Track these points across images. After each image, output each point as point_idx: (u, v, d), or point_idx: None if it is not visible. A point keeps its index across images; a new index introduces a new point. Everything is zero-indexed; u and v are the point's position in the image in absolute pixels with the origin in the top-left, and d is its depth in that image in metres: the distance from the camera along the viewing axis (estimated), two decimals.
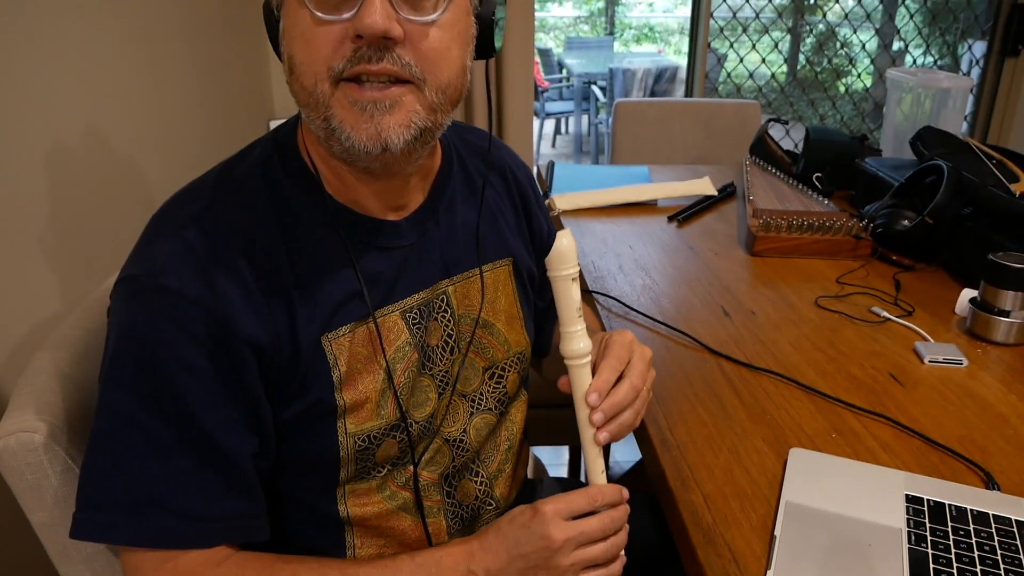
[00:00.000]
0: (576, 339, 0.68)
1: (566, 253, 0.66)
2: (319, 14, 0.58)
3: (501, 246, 0.83)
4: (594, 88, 5.47)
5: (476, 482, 0.82)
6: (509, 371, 0.85)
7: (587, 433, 0.69)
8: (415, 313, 0.74)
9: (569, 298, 0.67)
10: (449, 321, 0.77)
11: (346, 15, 0.58)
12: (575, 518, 0.67)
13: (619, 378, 0.71)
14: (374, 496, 0.74)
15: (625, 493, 0.71)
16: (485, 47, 0.68)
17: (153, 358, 0.60)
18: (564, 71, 6.36)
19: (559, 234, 0.66)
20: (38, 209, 1.05)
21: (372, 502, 0.74)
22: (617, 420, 0.69)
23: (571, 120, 6.35)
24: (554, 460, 2.11)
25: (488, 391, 0.83)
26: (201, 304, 0.60)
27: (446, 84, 0.63)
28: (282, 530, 0.74)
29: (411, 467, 0.75)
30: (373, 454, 0.72)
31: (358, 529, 0.75)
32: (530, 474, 0.99)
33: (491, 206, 0.83)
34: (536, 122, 5.81)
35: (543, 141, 6.13)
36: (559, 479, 1.07)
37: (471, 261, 0.80)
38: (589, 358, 0.69)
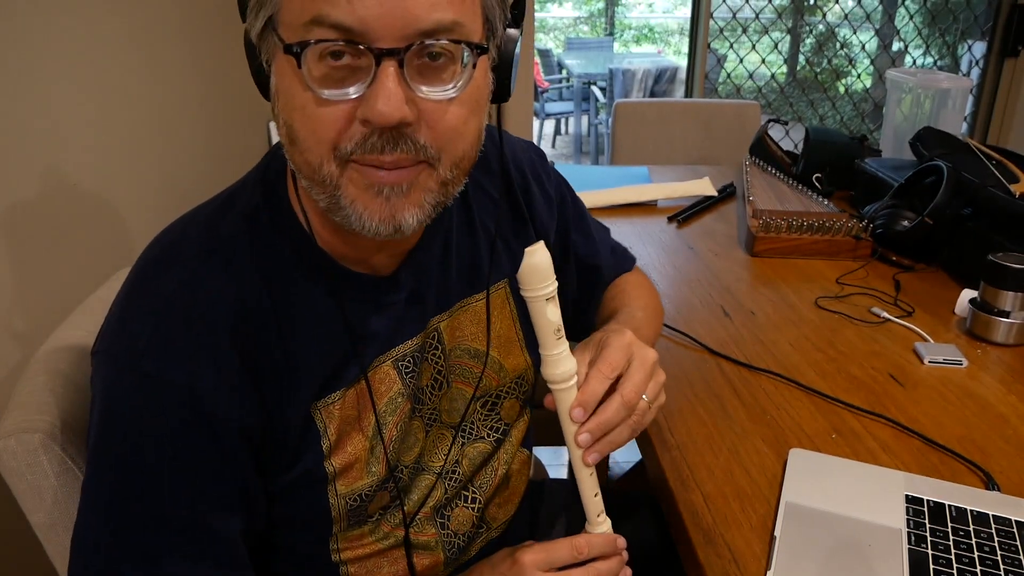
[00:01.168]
0: (555, 363, 0.61)
1: (534, 271, 0.58)
2: (323, 93, 0.52)
3: (497, 268, 0.77)
4: (594, 88, 5.47)
5: (470, 509, 0.79)
6: (505, 398, 0.80)
7: (575, 453, 0.63)
8: (408, 361, 0.70)
9: (544, 319, 0.59)
10: (440, 357, 0.73)
11: (352, 92, 0.52)
12: (561, 568, 0.64)
13: (614, 388, 0.64)
14: (367, 539, 0.72)
15: (620, 542, 0.66)
16: (500, 92, 0.62)
17: (138, 444, 0.57)
18: (564, 71, 6.37)
19: (528, 250, 0.58)
20: (38, 209, 1.05)
21: (365, 544, 0.72)
22: (607, 438, 0.63)
23: (571, 120, 6.35)
24: (554, 460, 2.11)
25: (479, 420, 0.79)
26: (184, 390, 0.57)
27: (461, 157, 0.58)
28: (275, 570, 0.73)
29: (403, 508, 0.73)
30: (365, 508, 0.70)
31: (353, 567, 0.73)
32: (531, 474, 0.99)
33: (487, 225, 0.76)
34: (536, 123, 5.81)
35: (543, 142, 6.14)
36: (560, 480, 1.07)
37: (463, 291, 0.74)
38: (575, 380, 0.62)
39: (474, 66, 0.55)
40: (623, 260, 0.97)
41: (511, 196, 0.80)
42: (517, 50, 0.61)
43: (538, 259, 0.58)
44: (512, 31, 0.60)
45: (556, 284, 0.59)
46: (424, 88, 0.53)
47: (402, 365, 0.70)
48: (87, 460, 0.60)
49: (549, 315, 0.60)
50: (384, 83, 0.51)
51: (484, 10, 0.56)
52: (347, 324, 0.64)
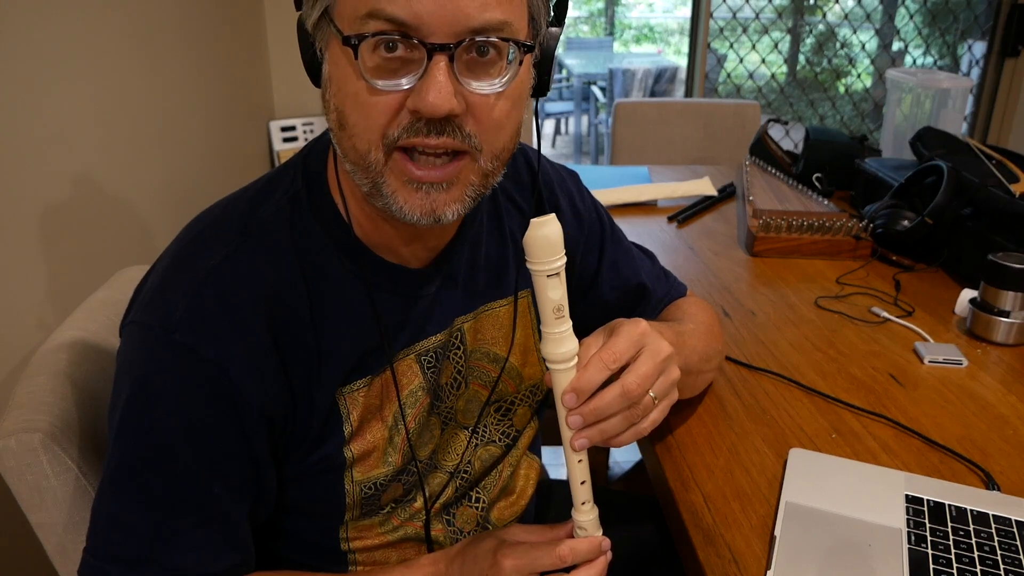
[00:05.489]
0: (555, 342, 0.59)
1: (542, 243, 0.55)
2: (377, 83, 0.54)
3: (523, 277, 0.78)
4: (594, 88, 5.47)
5: (475, 508, 0.81)
6: (519, 405, 0.81)
7: (565, 435, 0.62)
8: (431, 356, 0.71)
9: (545, 296, 0.57)
10: (460, 358, 0.75)
11: (404, 83, 0.54)
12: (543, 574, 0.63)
13: (619, 376, 0.62)
14: (376, 530, 0.74)
15: (605, 544, 0.64)
16: (539, 87, 0.63)
17: (162, 417, 0.59)
18: (564, 71, 6.36)
19: (535, 221, 0.55)
20: (39, 209, 1.05)
21: (373, 535, 0.74)
22: (599, 427, 0.61)
23: (571, 120, 6.35)
24: (555, 460, 2.11)
25: (492, 423, 0.80)
26: (215, 366, 0.58)
27: (502, 150, 0.60)
28: (282, 556, 0.74)
29: (414, 504, 0.74)
30: (379, 498, 0.71)
31: (361, 556, 0.75)
32: (538, 479, 0.98)
33: (515, 234, 0.78)
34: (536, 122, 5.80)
35: (542, 142, 6.12)
36: (565, 482, 1.06)
37: (488, 296, 0.76)
38: (574, 361, 0.60)
39: (520, 63, 0.57)
40: (677, 285, 0.95)
41: (541, 211, 0.81)
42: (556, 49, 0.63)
43: (546, 231, 0.55)
44: (554, 29, 0.62)
45: (564, 261, 0.57)
46: (473, 83, 0.55)
47: (425, 360, 0.71)
48: (110, 428, 0.61)
49: (550, 292, 0.57)
50: (435, 76, 0.53)
51: (531, 9, 0.58)
52: (377, 313, 0.66)
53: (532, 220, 0.55)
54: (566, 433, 0.61)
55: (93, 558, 0.60)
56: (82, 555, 0.61)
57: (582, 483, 0.64)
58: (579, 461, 0.63)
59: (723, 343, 0.91)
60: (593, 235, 0.86)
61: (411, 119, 0.55)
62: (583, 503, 0.65)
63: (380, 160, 0.57)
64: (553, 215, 0.55)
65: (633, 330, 0.62)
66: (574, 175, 0.88)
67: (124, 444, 0.60)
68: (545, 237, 0.55)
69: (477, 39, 0.54)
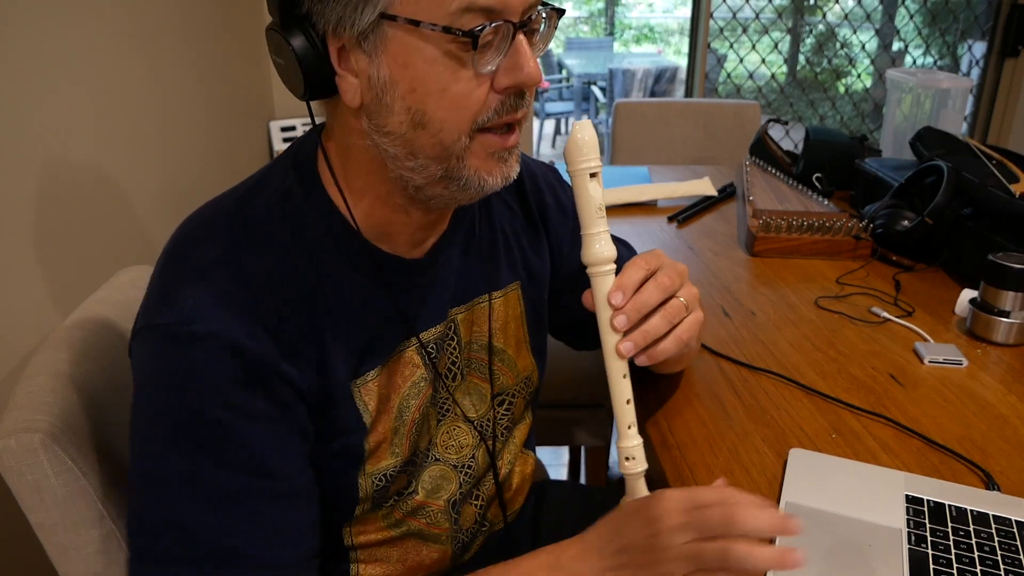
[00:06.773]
0: (596, 241, 0.64)
1: (580, 145, 0.62)
2: (484, 69, 0.57)
3: (512, 270, 0.80)
4: (594, 88, 5.48)
5: (475, 506, 0.81)
6: (517, 397, 0.83)
7: (610, 341, 0.64)
8: (432, 347, 0.72)
9: (587, 195, 0.63)
10: (455, 349, 0.76)
11: (492, 67, 0.57)
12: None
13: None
14: (379, 523, 0.74)
15: (792, 558, 0.54)
16: None
17: (202, 408, 0.57)
18: (564, 71, 6.36)
19: (576, 125, 0.63)
20: (38, 209, 1.05)
21: (376, 529, 0.74)
22: (642, 328, 0.64)
23: (571, 120, 6.35)
24: (554, 460, 2.11)
25: (497, 417, 0.81)
26: (239, 346, 0.57)
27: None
28: None
29: (415, 497, 0.74)
30: (387, 490, 0.71)
31: (363, 552, 0.75)
32: (533, 476, 0.99)
33: (504, 228, 0.80)
34: (536, 123, 5.81)
35: (543, 142, 6.13)
36: (561, 482, 1.07)
37: (480, 288, 0.77)
38: (612, 266, 0.64)
39: (554, 27, 0.63)
40: None
41: (526, 205, 0.83)
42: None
43: (583, 134, 0.63)
44: None
45: (600, 163, 0.64)
46: (533, 51, 0.60)
47: (425, 351, 0.72)
48: (137, 438, 0.59)
49: (591, 190, 0.63)
50: (524, 50, 0.58)
51: None
52: (375, 304, 0.67)
53: (575, 124, 0.63)
54: (609, 341, 0.64)
55: (156, 565, 0.57)
56: (131, 566, 0.58)
57: (627, 402, 0.65)
58: (624, 376, 0.65)
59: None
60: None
61: (500, 100, 0.58)
62: (628, 427, 0.65)
63: (465, 144, 0.59)
64: (589, 121, 0.64)
65: (652, 251, 0.69)
66: (554, 170, 0.90)
67: (167, 450, 0.57)
68: (584, 139, 0.62)
69: (539, 10, 0.59)
